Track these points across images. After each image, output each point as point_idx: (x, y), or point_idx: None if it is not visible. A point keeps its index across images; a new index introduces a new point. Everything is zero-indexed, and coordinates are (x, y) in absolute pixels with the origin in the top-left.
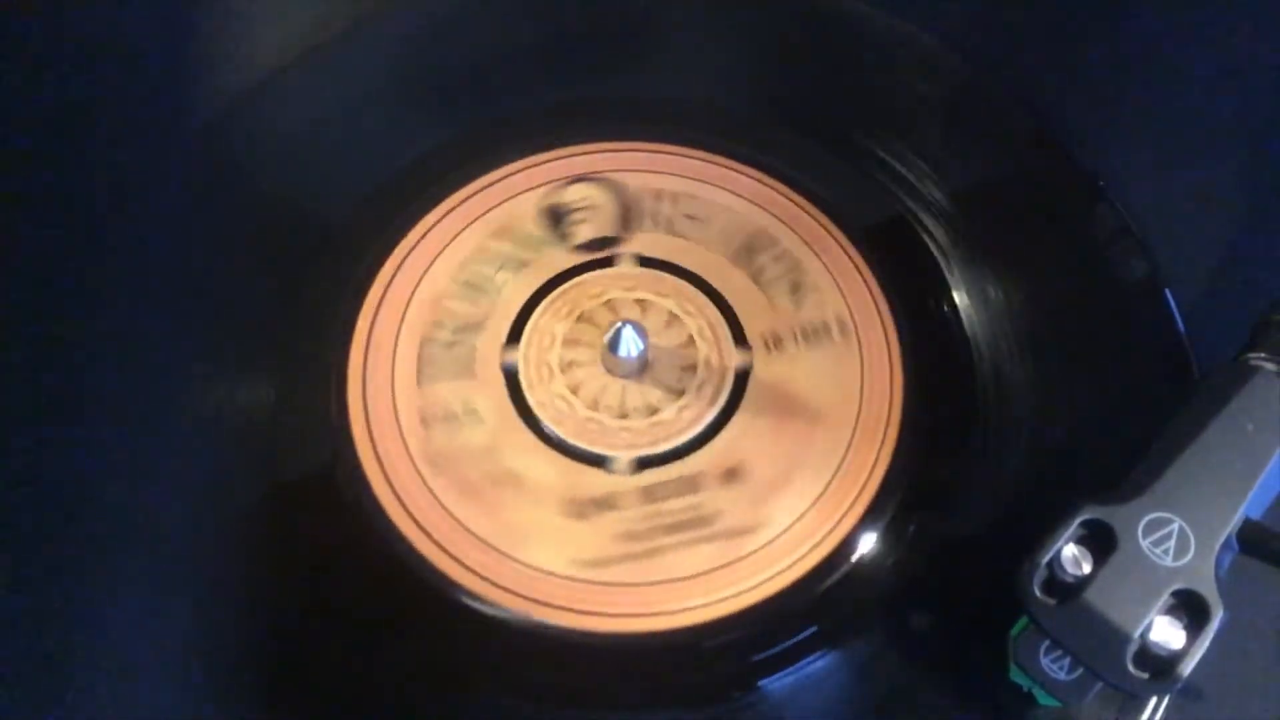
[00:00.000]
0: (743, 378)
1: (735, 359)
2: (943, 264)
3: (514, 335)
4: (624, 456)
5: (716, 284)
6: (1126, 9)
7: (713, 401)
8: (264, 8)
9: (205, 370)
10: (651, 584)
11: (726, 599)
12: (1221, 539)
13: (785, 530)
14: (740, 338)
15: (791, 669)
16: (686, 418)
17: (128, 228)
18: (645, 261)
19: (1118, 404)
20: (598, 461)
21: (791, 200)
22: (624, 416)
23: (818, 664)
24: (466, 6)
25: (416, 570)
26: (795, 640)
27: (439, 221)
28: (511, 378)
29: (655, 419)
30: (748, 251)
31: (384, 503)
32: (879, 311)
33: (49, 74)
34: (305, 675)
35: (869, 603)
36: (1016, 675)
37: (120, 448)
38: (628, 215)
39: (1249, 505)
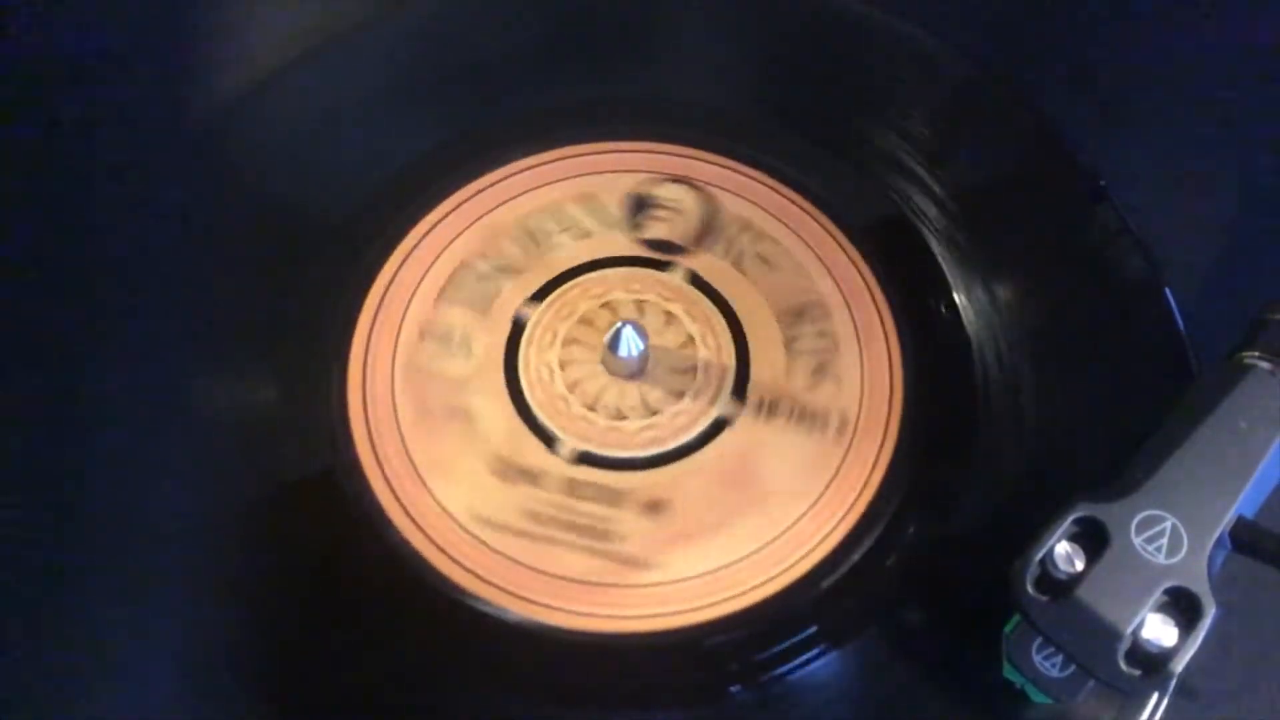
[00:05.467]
0: (720, 426)
1: (724, 406)
2: (943, 263)
3: (540, 294)
4: (571, 444)
5: (748, 331)
6: (1127, 9)
7: (678, 433)
8: (264, 8)
9: (205, 370)
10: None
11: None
12: (1214, 537)
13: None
14: (740, 390)
15: (789, 668)
16: (645, 436)
17: (128, 228)
18: (695, 281)
19: (1118, 404)
20: (547, 439)
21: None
22: (591, 409)
23: (815, 663)
24: (466, 6)
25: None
26: (793, 640)
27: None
28: (517, 329)
29: (615, 423)
30: (796, 316)
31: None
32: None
33: (48, 75)
34: (305, 674)
35: (865, 602)
36: (1009, 673)
37: (120, 447)
38: (705, 231)
39: (1242, 503)
